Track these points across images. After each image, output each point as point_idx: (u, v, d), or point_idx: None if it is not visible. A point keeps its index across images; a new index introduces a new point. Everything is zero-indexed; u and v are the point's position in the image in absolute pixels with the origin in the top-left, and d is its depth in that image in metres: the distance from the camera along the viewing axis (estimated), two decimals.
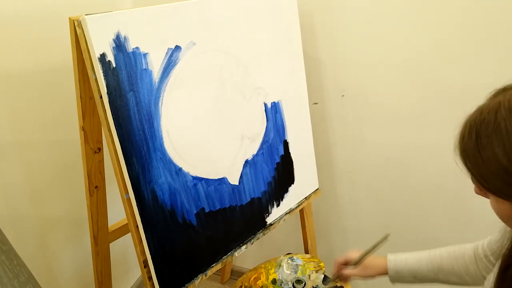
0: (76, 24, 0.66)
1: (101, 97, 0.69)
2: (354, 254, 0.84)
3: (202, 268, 0.88)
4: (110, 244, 1.00)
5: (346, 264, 0.85)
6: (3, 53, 0.94)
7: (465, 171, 0.50)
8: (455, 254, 0.74)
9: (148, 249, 0.77)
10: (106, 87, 0.68)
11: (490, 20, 0.95)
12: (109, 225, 0.97)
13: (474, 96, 1.10)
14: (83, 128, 0.80)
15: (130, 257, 1.46)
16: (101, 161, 0.86)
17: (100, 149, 0.85)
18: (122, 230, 1.01)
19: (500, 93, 0.50)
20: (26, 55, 1.00)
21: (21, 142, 1.02)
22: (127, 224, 0.86)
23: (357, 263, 0.84)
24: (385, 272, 0.81)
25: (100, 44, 0.66)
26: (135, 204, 0.74)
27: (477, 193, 0.53)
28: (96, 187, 0.88)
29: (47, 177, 1.10)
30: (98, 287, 1.03)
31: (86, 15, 0.65)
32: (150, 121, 0.74)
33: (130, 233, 0.78)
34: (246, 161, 0.94)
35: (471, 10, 0.95)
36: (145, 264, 0.78)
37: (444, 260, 0.74)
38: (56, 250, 1.17)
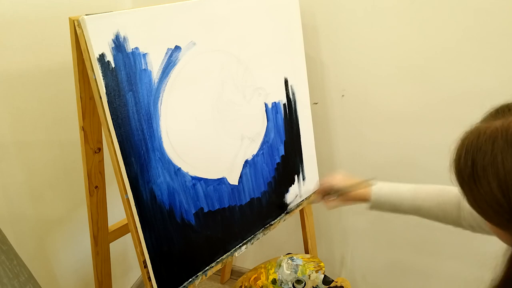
0: (76, 24, 0.66)
1: (100, 97, 0.69)
2: (337, 180, 0.87)
3: (201, 268, 0.88)
4: (110, 244, 1.00)
5: (328, 190, 0.88)
6: (3, 53, 0.94)
7: (458, 189, 0.49)
8: (438, 198, 0.75)
9: (146, 249, 0.77)
10: (105, 87, 0.68)
11: (490, 20, 0.95)
12: (109, 225, 0.97)
13: (474, 96, 1.10)
14: (83, 128, 0.80)
15: (130, 257, 1.46)
16: (101, 161, 0.86)
17: (100, 149, 0.85)
18: (122, 230, 1.02)
19: (500, 114, 0.47)
20: (26, 55, 1.00)
21: (21, 142, 1.02)
22: (127, 224, 0.86)
23: (339, 194, 0.87)
24: (365, 200, 0.83)
25: (99, 45, 0.66)
26: (134, 204, 0.74)
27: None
28: (96, 187, 0.88)
29: (47, 177, 1.10)
30: (98, 287, 1.03)
31: (86, 15, 0.65)
32: (149, 121, 0.74)
33: (130, 233, 0.78)
34: (246, 161, 0.94)
35: (472, 11, 0.95)
36: (145, 265, 0.78)
37: (426, 202, 0.76)
38: (56, 250, 1.17)
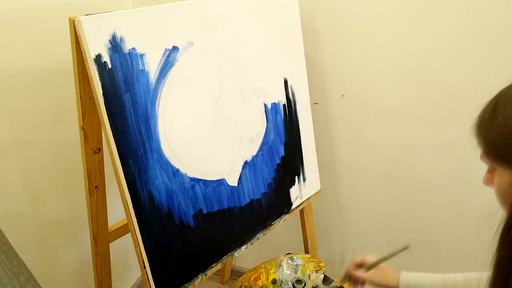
0: (75, 24, 0.66)
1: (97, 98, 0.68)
2: (370, 258, 0.85)
3: (200, 269, 0.88)
4: (110, 244, 1.00)
5: (360, 266, 0.86)
6: (3, 53, 0.94)
7: (476, 146, 0.53)
8: (470, 277, 0.75)
9: (144, 250, 0.77)
10: (102, 88, 0.67)
11: (490, 20, 0.94)
12: (109, 225, 0.98)
13: (474, 96, 1.10)
14: (83, 128, 0.80)
15: (130, 257, 1.46)
16: (101, 161, 0.86)
17: (100, 149, 0.85)
18: (122, 230, 1.02)
19: None
20: (26, 55, 1.00)
21: (21, 142, 1.02)
22: (127, 224, 0.86)
23: (370, 267, 0.84)
24: (395, 286, 0.82)
25: (96, 45, 0.66)
26: (131, 205, 0.74)
27: (485, 182, 0.55)
28: (96, 187, 0.88)
29: (47, 177, 1.11)
30: (98, 287, 1.04)
31: (85, 15, 0.65)
32: (147, 122, 0.74)
33: (130, 233, 0.78)
34: (246, 162, 0.93)
35: (472, 11, 0.95)
36: (145, 265, 0.79)
37: (458, 282, 0.75)
38: (56, 250, 1.18)
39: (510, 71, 0.95)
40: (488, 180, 0.55)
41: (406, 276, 0.80)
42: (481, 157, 0.53)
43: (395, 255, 0.83)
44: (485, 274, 0.72)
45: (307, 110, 1.07)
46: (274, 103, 0.98)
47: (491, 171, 0.53)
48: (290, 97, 1.02)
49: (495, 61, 0.97)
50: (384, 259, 0.84)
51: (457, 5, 0.95)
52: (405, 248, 0.82)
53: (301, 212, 1.19)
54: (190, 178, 0.82)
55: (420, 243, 1.24)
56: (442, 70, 1.03)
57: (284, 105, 1.01)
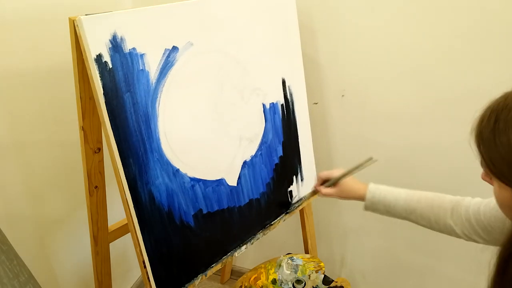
0: (75, 24, 0.66)
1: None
2: (337, 172, 0.88)
3: (200, 269, 0.88)
4: (110, 244, 1.00)
5: (327, 180, 0.90)
6: (3, 53, 0.94)
7: (476, 153, 0.52)
8: (432, 202, 0.77)
9: (145, 250, 0.77)
10: (103, 88, 0.68)
11: (490, 20, 0.94)
12: (109, 225, 0.98)
13: (475, 96, 1.10)
14: (83, 128, 0.80)
15: (130, 257, 1.46)
16: (101, 161, 0.86)
17: (100, 149, 0.85)
18: (122, 230, 1.02)
19: None
20: (26, 55, 1.00)
21: (21, 142, 1.02)
22: (127, 224, 0.86)
23: (336, 182, 0.88)
24: (361, 199, 0.85)
25: (96, 45, 0.66)
26: (132, 205, 0.74)
27: (483, 178, 0.55)
28: (96, 187, 0.89)
29: (47, 177, 1.11)
30: (98, 287, 1.04)
31: (85, 15, 0.65)
32: (147, 122, 0.74)
33: (130, 233, 0.78)
34: (245, 162, 0.94)
35: (472, 10, 0.95)
36: (145, 265, 0.79)
37: (420, 205, 0.78)
38: (56, 250, 1.18)
39: (511, 71, 0.95)
40: (485, 179, 0.54)
41: (372, 193, 0.82)
42: (480, 164, 0.53)
43: (360, 168, 0.85)
44: (447, 199, 0.75)
45: (305, 110, 1.07)
46: (273, 103, 0.98)
47: (489, 176, 0.53)
48: (288, 97, 1.02)
49: (496, 62, 0.97)
50: (348, 172, 0.86)
51: (458, 5, 0.95)
52: (370, 159, 0.85)
53: (301, 212, 1.19)
54: (190, 178, 0.83)
55: (420, 243, 1.25)
56: (442, 70, 1.03)
57: (282, 105, 1.01)
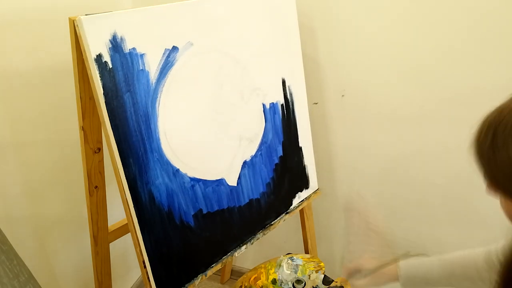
0: (75, 24, 0.66)
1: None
2: (366, 262, 0.82)
3: (200, 269, 0.88)
4: (110, 244, 1.00)
5: (355, 272, 0.83)
6: (3, 53, 0.94)
7: (478, 169, 0.51)
8: (466, 259, 0.73)
9: (145, 250, 0.77)
10: (103, 88, 0.68)
11: (490, 21, 0.94)
12: (109, 225, 0.98)
13: (474, 96, 1.10)
14: (83, 128, 0.80)
15: (130, 257, 1.46)
16: (101, 161, 0.86)
17: (100, 149, 0.85)
18: (122, 230, 1.02)
19: None
20: (26, 55, 1.00)
21: (20, 142, 1.02)
22: (127, 224, 0.86)
23: (369, 274, 0.82)
24: (395, 279, 0.80)
25: (96, 45, 0.66)
26: (132, 205, 0.74)
27: (487, 191, 0.53)
28: (96, 187, 0.89)
29: (47, 177, 1.11)
30: (98, 287, 1.04)
31: (85, 15, 0.65)
32: (147, 122, 0.74)
33: (130, 233, 0.78)
34: (245, 162, 0.94)
35: (472, 10, 0.95)
36: (145, 265, 0.79)
37: (456, 265, 0.74)
38: (56, 250, 1.18)
39: (511, 71, 0.95)
40: (490, 191, 0.53)
41: (404, 269, 0.78)
42: (483, 177, 0.52)
43: (395, 262, 0.81)
44: (479, 252, 0.71)
45: (305, 110, 1.07)
46: (273, 103, 0.98)
47: (493, 190, 0.52)
48: (288, 97, 1.02)
49: (497, 62, 0.96)
50: (382, 266, 0.81)
51: (458, 4, 0.95)
52: (407, 254, 0.80)
53: (301, 212, 1.19)
54: (190, 178, 0.83)
55: (420, 244, 1.24)
56: (442, 70, 1.02)
57: (282, 105, 1.01)
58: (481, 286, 0.72)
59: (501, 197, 0.51)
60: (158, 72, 0.75)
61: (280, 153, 1.02)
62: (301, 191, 1.11)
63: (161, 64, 0.75)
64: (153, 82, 0.74)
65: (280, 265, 1.05)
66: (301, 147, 1.08)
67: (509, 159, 0.45)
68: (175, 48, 0.77)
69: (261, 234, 1.01)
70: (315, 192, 1.15)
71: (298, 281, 1.03)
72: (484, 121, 0.50)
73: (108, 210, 0.94)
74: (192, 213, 0.84)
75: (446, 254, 0.76)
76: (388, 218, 1.26)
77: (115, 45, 0.69)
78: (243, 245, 0.97)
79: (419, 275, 0.77)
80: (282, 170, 1.03)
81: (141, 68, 0.72)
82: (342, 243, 1.38)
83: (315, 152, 1.12)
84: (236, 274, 1.57)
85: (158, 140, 0.76)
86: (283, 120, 1.01)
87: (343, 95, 1.16)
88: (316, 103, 1.20)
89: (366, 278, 0.82)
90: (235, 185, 0.92)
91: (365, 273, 0.82)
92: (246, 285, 1.07)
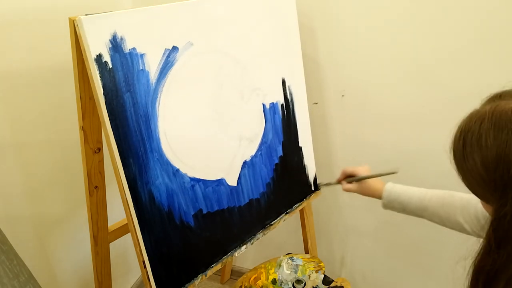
0: (76, 24, 0.66)
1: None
2: (361, 170, 0.93)
3: (200, 269, 0.88)
4: (110, 244, 1.00)
5: (350, 176, 0.95)
6: (3, 53, 0.94)
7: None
8: (443, 200, 0.80)
9: (145, 250, 0.77)
10: (103, 88, 0.68)
11: (490, 21, 0.94)
12: (109, 225, 0.98)
13: (475, 97, 1.10)
14: (83, 128, 0.80)
15: (130, 257, 1.46)
16: (101, 161, 0.86)
17: (100, 149, 0.85)
18: (122, 230, 1.02)
19: (493, 100, 0.52)
20: (26, 55, 1.00)
21: (20, 142, 1.02)
22: (127, 224, 0.86)
23: (359, 180, 0.93)
24: (379, 197, 0.89)
25: (97, 45, 0.66)
26: (132, 205, 0.74)
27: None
28: (96, 187, 0.89)
29: (47, 177, 1.11)
30: (98, 287, 1.04)
31: (85, 15, 0.65)
32: (147, 122, 0.74)
33: (130, 233, 0.78)
34: (245, 162, 0.94)
35: (472, 10, 0.95)
36: (145, 265, 0.79)
37: (432, 203, 0.81)
38: (56, 250, 1.18)
39: (511, 72, 0.95)
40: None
41: (388, 192, 0.87)
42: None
43: (383, 176, 0.90)
44: (458, 197, 0.77)
45: (305, 110, 1.07)
46: (273, 103, 0.98)
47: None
48: (288, 97, 1.02)
49: (498, 62, 0.97)
50: (370, 177, 0.92)
51: (458, 4, 0.95)
52: (393, 172, 0.89)
53: (301, 212, 1.19)
54: (190, 178, 0.83)
55: (420, 243, 1.25)
56: (442, 70, 1.03)
57: (282, 105, 1.01)
58: (447, 225, 0.79)
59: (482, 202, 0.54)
60: (158, 72, 0.75)
61: (280, 153, 1.02)
62: (301, 191, 1.11)
63: (161, 64, 0.75)
64: (153, 82, 0.74)
65: (280, 265, 1.05)
66: (301, 147, 1.08)
67: (476, 167, 0.48)
68: (175, 48, 0.77)
69: (261, 234, 1.01)
70: (315, 192, 1.15)
71: (298, 281, 1.03)
72: (458, 128, 0.53)
73: (108, 210, 0.94)
74: (192, 213, 0.84)
75: (428, 190, 0.84)
76: (388, 218, 1.26)
77: (115, 45, 0.69)
78: (243, 245, 0.97)
79: (399, 201, 0.86)
80: (282, 170, 1.03)
81: (141, 68, 0.72)
82: (342, 243, 1.38)
83: (315, 152, 1.12)
84: (236, 274, 1.57)
85: (158, 140, 0.76)
86: (283, 120, 1.01)
87: (343, 95, 1.16)
88: (316, 103, 1.20)
89: (356, 184, 0.93)
90: (235, 185, 0.92)
91: (357, 178, 0.94)
92: (246, 285, 1.07)
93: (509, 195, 0.45)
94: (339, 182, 0.98)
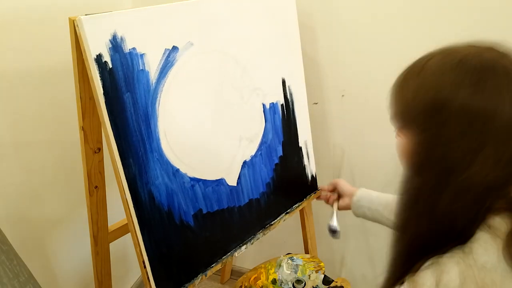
0: (75, 24, 0.66)
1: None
2: (341, 184, 1.01)
3: (200, 269, 0.88)
4: (110, 244, 1.00)
5: (333, 190, 1.03)
6: (3, 53, 0.94)
7: (389, 109, 0.56)
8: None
9: (145, 250, 0.77)
10: (103, 88, 0.68)
11: (492, 20, 0.94)
12: (109, 225, 0.98)
13: None
14: (83, 128, 0.80)
15: (130, 257, 1.46)
16: (101, 161, 0.86)
17: (100, 149, 0.85)
18: (122, 230, 1.02)
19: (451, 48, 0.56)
20: (26, 55, 1.00)
21: (20, 142, 1.02)
22: (127, 224, 0.86)
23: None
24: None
25: (96, 45, 0.66)
26: (132, 205, 0.74)
27: (397, 137, 0.60)
28: (96, 187, 0.89)
29: (47, 177, 1.11)
30: (98, 287, 1.04)
31: (85, 15, 0.65)
32: (147, 122, 0.74)
33: (130, 233, 0.78)
34: (245, 162, 0.94)
35: (472, 10, 0.95)
36: (145, 265, 0.79)
37: (388, 206, 0.86)
38: (56, 250, 1.18)
39: None
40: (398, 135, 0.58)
41: (358, 195, 0.93)
42: (390, 119, 0.57)
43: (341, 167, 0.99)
44: None
45: (305, 110, 1.07)
46: (272, 103, 0.98)
47: (398, 129, 0.56)
48: (288, 97, 1.02)
49: None
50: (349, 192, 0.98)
51: (458, 5, 0.95)
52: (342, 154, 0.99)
53: (301, 212, 1.19)
54: (190, 178, 0.83)
55: None
56: None
57: (282, 105, 1.01)
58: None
59: (401, 135, 0.56)
60: (158, 72, 0.75)
61: (280, 153, 1.02)
62: (301, 191, 1.11)
63: (161, 64, 0.75)
64: (153, 82, 0.74)
65: (280, 265, 1.05)
66: (301, 147, 1.08)
67: (407, 92, 0.53)
68: (175, 48, 0.77)
69: (261, 234, 1.01)
70: (315, 192, 1.15)
71: (298, 281, 1.03)
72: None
73: (108, 210, 0.94)
74: (192, 213, 0.84)
75: (386, 199, 0.88)
76: None
77: (115, 45, 0.69)
78: (243, 245, 0.97)
79: (367, 199, 0.92)
80: (282, 170, 1.03)
81: (141, 68, 0.72)
82: (342, 243, 1.38)
83: (315, 152, 1.12)
84: (236, 274, 1.57)
85: (158, 140, 0.76)
86: (283, 120, 1.01)
87: (343, 95, 1.16)
88: (316, 103, 1.20)
89: (340, 200, 1.00)
90: (235, 185, 0.92)
91: (337, 192, 1.01)
92: (246, 285, 1.07)
93: (426, 124, 0.49)
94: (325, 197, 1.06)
